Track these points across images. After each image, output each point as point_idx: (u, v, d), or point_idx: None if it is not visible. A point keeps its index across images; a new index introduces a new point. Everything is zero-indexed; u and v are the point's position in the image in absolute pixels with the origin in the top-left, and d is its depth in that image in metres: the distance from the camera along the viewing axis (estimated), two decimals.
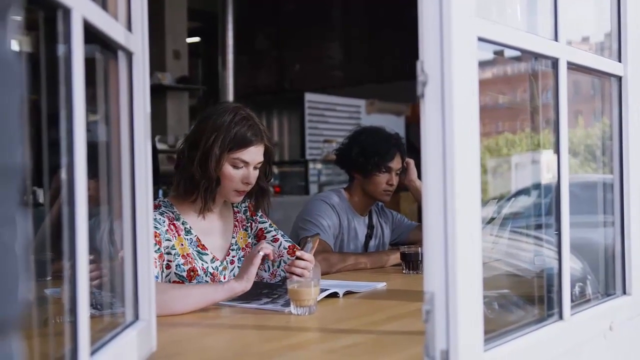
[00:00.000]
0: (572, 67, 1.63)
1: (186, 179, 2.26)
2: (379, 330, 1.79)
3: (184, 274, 2.22)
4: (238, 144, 2.22)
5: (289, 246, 2.42)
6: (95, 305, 1.35)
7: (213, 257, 2.31)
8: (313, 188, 7.58)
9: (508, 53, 1.61)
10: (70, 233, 1.04)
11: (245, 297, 2.08)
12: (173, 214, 2.28)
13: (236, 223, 2.43)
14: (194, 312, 1.99)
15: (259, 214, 2.48)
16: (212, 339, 1.75)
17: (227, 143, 2.21)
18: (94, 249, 1.20)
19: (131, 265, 1.42)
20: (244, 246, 2.42)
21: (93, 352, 1.13)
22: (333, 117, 8.48)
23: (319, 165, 7.80)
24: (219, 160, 2.22)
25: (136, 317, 1.42)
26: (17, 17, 0.62)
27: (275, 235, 2.45)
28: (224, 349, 1.67)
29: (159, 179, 5.27)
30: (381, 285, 2.43)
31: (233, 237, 2.40)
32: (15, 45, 0.61)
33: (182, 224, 2.29)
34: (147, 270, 1.44)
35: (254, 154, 2.26)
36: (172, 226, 2.23)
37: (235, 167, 2.24)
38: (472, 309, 1.23)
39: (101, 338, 1.24)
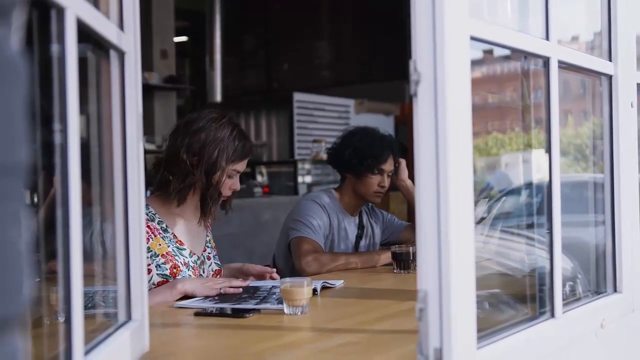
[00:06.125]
0: (563, 66, 1.64)
1: (187, 186, 2.34)
2: (372, 329, 1.80)
3: (167, 272, 2.30)
4: (239, 156, 2.39)
5: (216, 270, 2.54)
6: (87, 305, 1.35)
7: (190, 252, 2.40)
8: (302, 188, 7.57)
9: (497, 52, 1.61)
10: (64, 234, 1.03)
11: (235, 300, 2.08)
12: (147, 214, 2.33)
13: (208, 224, 2.56)
14: (186, 313, 1.99)
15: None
16: (205, 340, 1.75)
17: (230, 156, 2.35)
18: (84, 249, 1.19)
19: (124, 266, 1.41)
20: (214, 246, 2.58)
21: (87, 353, 1.12)
22: (322, 117, 8.47)
23: (307, 165, 7.78)
24: (223, 172, 2.35)
25: (129, 317, 1.42)
26: (20, 17, 0.61)
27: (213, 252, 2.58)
28: (217, 349, 1.67)
29: (146, 180, 5.27)
30: (339, 283, 2.44)
31: (207, 236, 2.54)
32: (18, 45, 0.61)
33: (158, 223, 2.36)
34: (139, 271, 1.44)
35: (245, 165, 2.45)
36: (147, 228, 2.27)
37: (229, 177, 2.39)
38: (465, 307, 1.24)
39: (94, 338, 1.24)
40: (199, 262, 2.43)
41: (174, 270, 2.31)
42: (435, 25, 1.20)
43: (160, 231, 2.35)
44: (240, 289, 2.21)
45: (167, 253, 2.32)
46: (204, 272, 2.45)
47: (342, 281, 2.47)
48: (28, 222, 0.61)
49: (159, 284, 2.26)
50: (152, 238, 2.30)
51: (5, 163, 0.57)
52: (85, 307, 1.15)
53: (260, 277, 2.50)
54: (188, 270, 2.35)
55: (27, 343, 0.64)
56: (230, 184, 2.40)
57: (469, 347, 1.25)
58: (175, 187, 2.33)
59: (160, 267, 2.29)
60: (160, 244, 2.32)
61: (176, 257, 2.33)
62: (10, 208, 0.58)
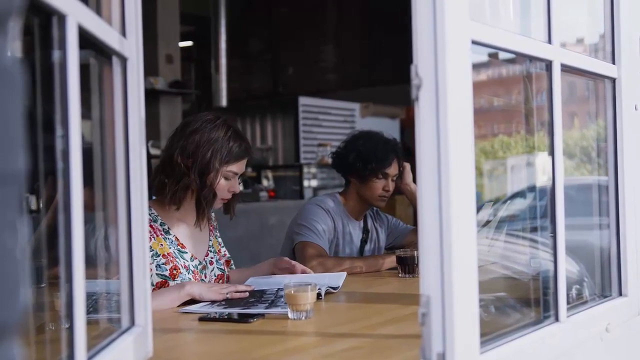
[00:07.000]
0: (566, 69, 1.64)
1: (182, 189, 2.34)
2: (376, 333, 1.79)
3: (167, 272, 2.31)
4: (234, 158, 2.37)
5: (225, 261, 2.59)
6: (90, 310, 1.35)
7: (192, 256, 2.41)
8: (308, 192, 7.57)
9: (502, 55, 1.61)
10: (66, 239, 1.03)
11: (243, 304, 2.08)
12: (150, 215, 2.33)
13: (211, 228, 2.56)
14: (190, 318, 1.99)
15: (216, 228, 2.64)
16: (209, 345, 1.75)
17: (224, 157, 2.35)
18: (89, 255, 1.20)
19: (127, 271, 1.41)
20: (218, 250, 2.56)
21: (89, 359, 1.12)
22: (327, 120, 8.48)
23: (313, 169, 7.79)
24: (217, 173, 2.34)
25: (132, 323, 1.42)
26: (17, 24, 0.62)
27: (225, 251, 2.63)
28: (221, 354, 1.67)
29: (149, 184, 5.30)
30: (342, 277, 2.49)
31: (210, 240, 2.53)
32: (15, 52, 0.61)
33: (160, 225, 2.37)
34: (142, 277, 1.44)
35: (243, 166, 2.44)
36: (149, 228, 2.28)
37: (226, 178, 2.39)
38: (468, 311, 1.23)
39: (97, 344, 1.24)
40: (200, 266, 2.43)
41: (174, 272, 2.31)
42: (436, 29, 1.20)
43: (163, 232, 2.35)
44: (247, 294, 2.21)
45: (168, 254, 2.32)
46: (205, 276, 2.44)
47: (345, 273, 2.54)
48: (25, 230, 0.62)
49: (158, 285, 2.26)
50: (154, 237, 2.31)
51: (2, 171, 0.57)
52: (88, 312, 1.15)
53: (290, 271, 2.53)
54: (188, 273, 2.35)
55: (26, 350, 0.64)
56: (228, 186, 2.39)
57: (472, 352, 1.25)
58: (170, 189, 2.33)
59: (160, 267, 2.29)
60: (162, 244, 2.33)
61: (177, 259, 2.34)
62: (8, 216, 0.58)
